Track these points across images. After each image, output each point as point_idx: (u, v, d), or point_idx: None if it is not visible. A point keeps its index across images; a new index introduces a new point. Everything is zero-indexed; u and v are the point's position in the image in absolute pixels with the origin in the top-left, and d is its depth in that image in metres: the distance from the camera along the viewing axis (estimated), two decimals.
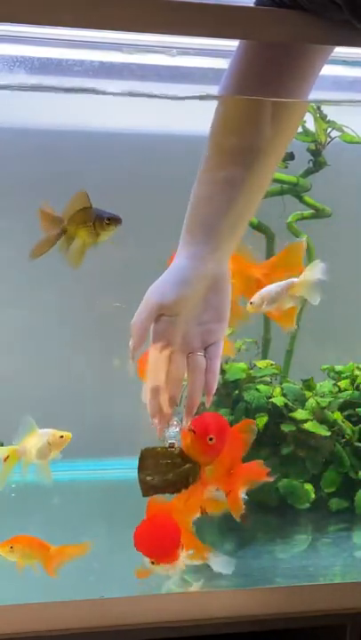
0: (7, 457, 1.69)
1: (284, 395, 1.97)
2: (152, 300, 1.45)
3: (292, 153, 2.08)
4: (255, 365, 2.03)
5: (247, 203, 1.44)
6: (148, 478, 1.50)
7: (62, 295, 2.20)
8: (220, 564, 1.54)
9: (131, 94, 1.89)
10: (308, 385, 2.04)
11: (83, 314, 2.21)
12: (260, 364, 2.04)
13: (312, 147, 2.08)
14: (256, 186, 1.44)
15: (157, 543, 1.51)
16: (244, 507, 1.55)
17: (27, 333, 2.20)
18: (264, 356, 2.09)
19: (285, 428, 1.93)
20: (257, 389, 1.96)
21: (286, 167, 2.08)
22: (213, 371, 1.47)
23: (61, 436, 1.68)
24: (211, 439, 1.49)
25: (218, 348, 1.47)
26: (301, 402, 1.97)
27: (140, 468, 1.51)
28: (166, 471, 1.50)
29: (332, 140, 2.08)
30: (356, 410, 2.00)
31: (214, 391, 1.48)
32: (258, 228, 2.08)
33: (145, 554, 1.50)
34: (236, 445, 1.55)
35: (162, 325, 1.45)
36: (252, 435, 1.56)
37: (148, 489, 1.50)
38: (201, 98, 1.94)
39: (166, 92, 1.91)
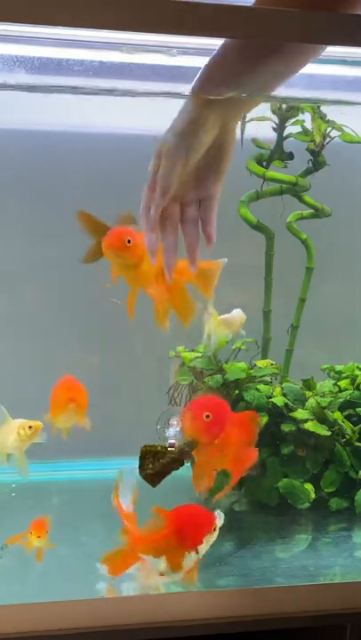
0: None
1: (284, 394, 1.97)
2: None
3: (291, 153, 2.09)
4: (255, 365, 2.04)
5: (280, 67, 1.43)
6: (149, 471, 1.51)
7: (63, 293, 2.20)
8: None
9: (131, 94, 1.89)
10: (309, 385, 2.04)
11: (83, 313, 2.21)
12: (261, 363, 2.04)
13: (311, 146, 2.08)
14: (293, 56, 1.44)
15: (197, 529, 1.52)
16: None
17: (27, 332, 2.20)
18: (264, 356, 2.09)
19: (286, 427, 1.93)
20: (257, 389, 1.96)
21: (285, 167, 2.08)
22: (209, 220, 1.48)
23: (30, 427, 1.67)
24: (207, 416, 1.49)
25: (212, 202, 1.48)
26: (302, 401, 1.97)
27: (141, 467, 1.52)
28: (163, 457, 1.52)
29: (332, 139, 2.08)
30: (357, 409, 2.00)
31: (214, 240, 1.49)
32: (257, 227, 2.08)
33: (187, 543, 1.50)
34: (244, 430, 1.55)
35: (160, 167, 1.48)
36: (257, 424, 1.57)
37: (153, 479, 1.51)
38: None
39: (166, 92, 1.91)
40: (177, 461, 1.52)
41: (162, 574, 1.49)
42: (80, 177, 2.17)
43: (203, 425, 1.49)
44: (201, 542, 1.49)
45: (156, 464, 1.51)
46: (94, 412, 1.76)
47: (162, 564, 1.49)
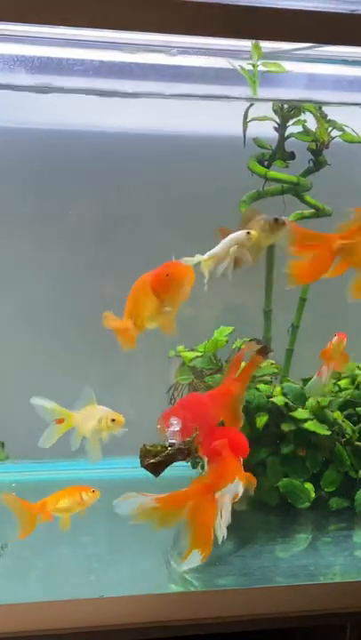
0: (62, 420, 1.67)
1: (284, 394, 1.97)
2: None
3: (292, 152, 2.08)
4: None
5: None
6: (152, 461, 1.52)
7: (64, 292, 2.20)
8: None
9: (131, 94, 1.90)
10: None
11: (84, 314, 2.21)
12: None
13: (312, 146, 2.08)
14: None
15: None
16: None
17: (28, 333, 2.20)
18: None
19: (286, 427, 1.93)
20: (257, 389, 1.96)
21: (287, 167, 2.08)
22: None
23: (113, 420, 1.66)
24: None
25: None
26: (302, 401, 1.97)
27: (142, 462, 1.53)
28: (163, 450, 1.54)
29: (333, 139, 2.08)
30: (357, 409, 2.00)
31: None
32: None
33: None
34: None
35: None
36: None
37: (155, 468, 1.52)
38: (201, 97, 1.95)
39: (166, 92, 1.91)
40: (180, 452, 1.53)
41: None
42: (80, 176, 2.17)
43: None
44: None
45: (157, 457, 1.53)
46: None
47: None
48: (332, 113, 2.05)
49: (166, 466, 1.54)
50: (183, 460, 1.56)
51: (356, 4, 1.53)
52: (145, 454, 1.54)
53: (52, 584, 1.58)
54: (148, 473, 1.54)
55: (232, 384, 1.63)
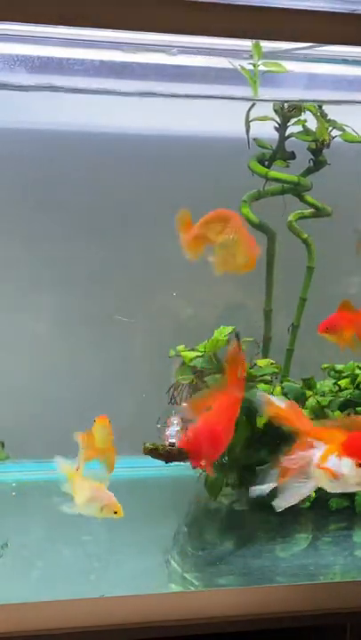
0: None
1: (284, 394, 1.96)
2: None
3: (293, 152, 2.09)
4: (256, 364, 2.03)
5: None
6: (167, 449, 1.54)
7: (65, 294, 2.20)
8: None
9: (131, 93, 1.90)
10: (309, 384, 2.04)
11: (85, 315, 2.21)
12: (261, 362, 2.03)
13: (312, 146, 2.08)
14: None
15: None
16: None
17: (29, 336, 2.20)
18: (265, 355, 2.09)
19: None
20: (257, 388, 1.96)
21: (288, 166, 2.08)
22: None
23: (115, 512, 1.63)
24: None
25: None
26: (302, 401, 1.97)
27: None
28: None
29: (333, 138, 2.08)
30: (357, 409, 2.00)
31: None
32: (259, 227, 2.08)
33: None
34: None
35: None
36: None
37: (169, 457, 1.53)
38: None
39: (166, 91, 1.91)
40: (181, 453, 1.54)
41: None
42: (80, 177, 2.17)
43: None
44: None
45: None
46: (95, 412, 1.76)
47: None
48: (332, 113, 2.05)
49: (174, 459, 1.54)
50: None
51: (356, 3, 1.53)
52: (149, 453, 1.54)
53: (52, 584, 1.58)
54: (148, 474, 1.55)
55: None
